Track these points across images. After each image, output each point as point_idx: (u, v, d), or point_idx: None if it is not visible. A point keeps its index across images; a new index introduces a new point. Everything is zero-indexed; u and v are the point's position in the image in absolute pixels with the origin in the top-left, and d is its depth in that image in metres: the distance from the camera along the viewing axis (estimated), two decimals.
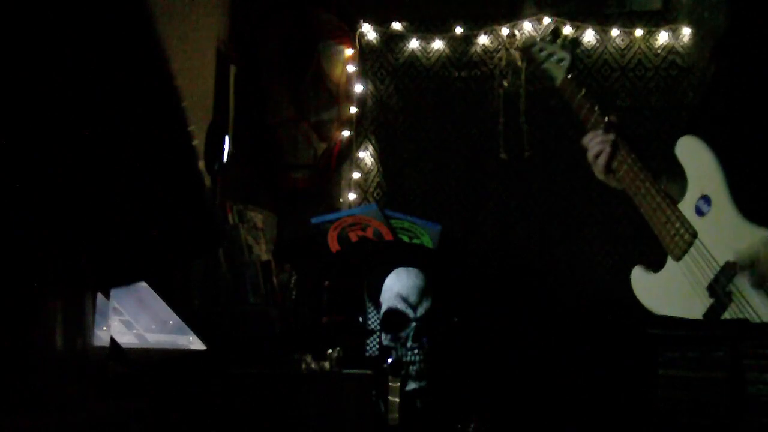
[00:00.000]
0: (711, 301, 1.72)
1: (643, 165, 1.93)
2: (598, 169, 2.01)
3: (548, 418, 3.20)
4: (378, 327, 2.91)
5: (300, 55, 3.93)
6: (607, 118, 2.01)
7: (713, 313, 1.71)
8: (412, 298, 2.87)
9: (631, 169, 1.94)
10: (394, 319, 2.86)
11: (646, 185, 1.89)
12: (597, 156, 1.99)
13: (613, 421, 3.05)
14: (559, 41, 2.21)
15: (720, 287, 1.70)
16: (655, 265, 1.89)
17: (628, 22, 3.64)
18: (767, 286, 1.62)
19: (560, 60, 2.17)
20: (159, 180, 1.09)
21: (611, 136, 1.97)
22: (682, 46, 3.58)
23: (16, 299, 1.03)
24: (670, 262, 1.84)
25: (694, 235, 1.78)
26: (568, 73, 2.14)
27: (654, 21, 3.62)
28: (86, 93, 1.01)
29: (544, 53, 2.21)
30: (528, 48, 2.27)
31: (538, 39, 2.25)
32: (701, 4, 1.90)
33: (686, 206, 1.82)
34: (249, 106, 3.91)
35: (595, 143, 1.99)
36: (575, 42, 2.20)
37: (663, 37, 3.60)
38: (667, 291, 1.84)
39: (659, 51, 3.60)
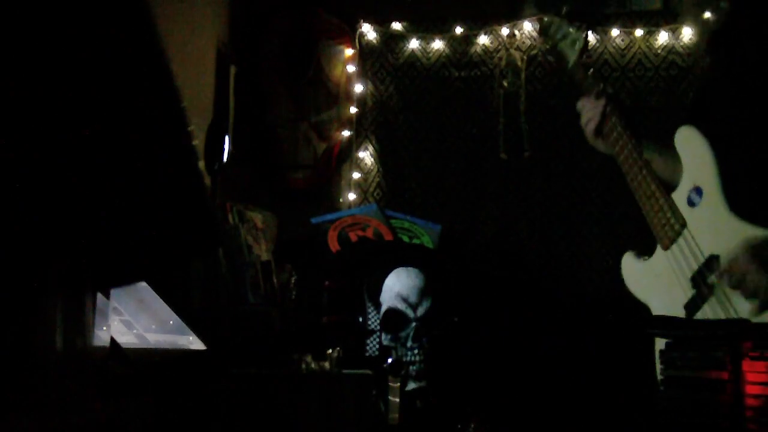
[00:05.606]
0: (693, 292, 1.72)
1: (632, 133, 1.96)
2: (588, 133, 2.05)
3: (548, 418, 3.19)
4: (378, 327, 2.91)
5: (300, 55, 3.93)
6: (601, 85, 2.06)
7: (694, 304, 1.72)
8: (412, 298, 2.87)
9: (621, 137, 1.97)
10: (394, 319, 2.86)
11: (638, 164, 1.90)
12: (588, 121, 2.04)
13: (613, 420, 3.05)
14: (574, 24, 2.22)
15: (703, 279, 1.71)
16: (647, 252, 1.90)
17: (628, 22, 3.64)
18: (743, 288, 1.62)
19: (574, 41, 2.17)
20: (159, 180, 1.09)
21: (602, 102, 2.01)
22: (682, 46, 3.58)
23: (16, 299, 1.03)
24: (658, 250, 1.85)
25: (684, 225, 1.78)
26: (581, 56, 2.14)
27: (654, 21, 3.62)
28: (86, 93, 1.01)
29: (559, 33, 2.21)
30: (546, 27, 2.26)
31: (555, 18, 2.25)
32: None
33: (679, 196, 1.82)
34: (249, 106, 3.91)
35: (588, 109, 2.04)
36: (591, 25, 2.21)
37: (663, 37, 3.60)
38: (653, 279, 1.85)
39: (659, 51, 3.60)
